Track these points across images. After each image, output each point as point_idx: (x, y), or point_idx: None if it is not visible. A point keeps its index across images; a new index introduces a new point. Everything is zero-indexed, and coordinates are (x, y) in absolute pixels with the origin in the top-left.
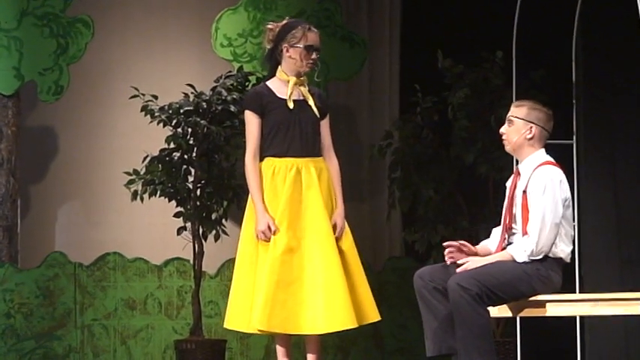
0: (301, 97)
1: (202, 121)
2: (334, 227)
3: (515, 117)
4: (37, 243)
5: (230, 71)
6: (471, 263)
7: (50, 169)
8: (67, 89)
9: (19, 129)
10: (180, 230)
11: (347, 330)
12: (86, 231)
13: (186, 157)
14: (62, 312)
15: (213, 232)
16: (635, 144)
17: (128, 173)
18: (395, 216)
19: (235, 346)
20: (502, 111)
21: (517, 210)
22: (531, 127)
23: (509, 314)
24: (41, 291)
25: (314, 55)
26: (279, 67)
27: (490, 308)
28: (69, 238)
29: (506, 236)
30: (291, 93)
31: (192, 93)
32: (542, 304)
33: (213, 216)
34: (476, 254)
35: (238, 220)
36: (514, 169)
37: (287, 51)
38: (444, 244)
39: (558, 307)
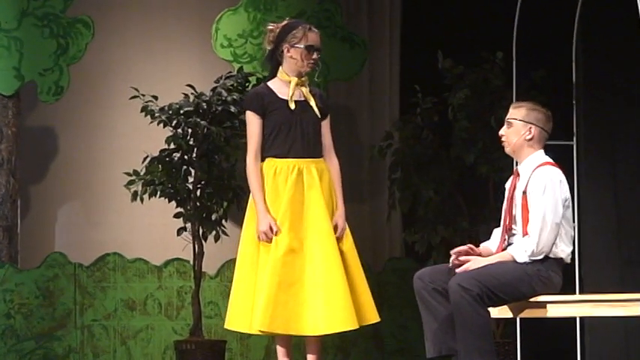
0: (302, 98)
1: (202, 122)
2: (335, 228)
3: (514, 118)
4: (37, 243)
5: (230, 72)
6: (471, 264)
7: (50, 170)
8: (67, 90)
9: (19, 129)
10: (180, 231)
11: (347, 331)
12: (86, 231)
13: (186, 157)
14: (62, 312)
15: (213, 232)
16: (635, 144)
17: (128, 174)
18: (395, 217)
19: (235, 347)
20: (502, 112)
21: (517, 211)
22: (530, 128)
23: (510, 315)
24: (41, 291)
25: (315, 55)
26: (281, 67)
27: (490, 309)
28: (69, 239)
29: (506, 237)
30: (293, 93)
31: (192, 93)
32: (542, 305)
33: (213, 217)
34: (480, 255)
35: (238, 221)
36: (513, 170)
37: (288, 51)
38: (452, 251)
39: (558, 308)
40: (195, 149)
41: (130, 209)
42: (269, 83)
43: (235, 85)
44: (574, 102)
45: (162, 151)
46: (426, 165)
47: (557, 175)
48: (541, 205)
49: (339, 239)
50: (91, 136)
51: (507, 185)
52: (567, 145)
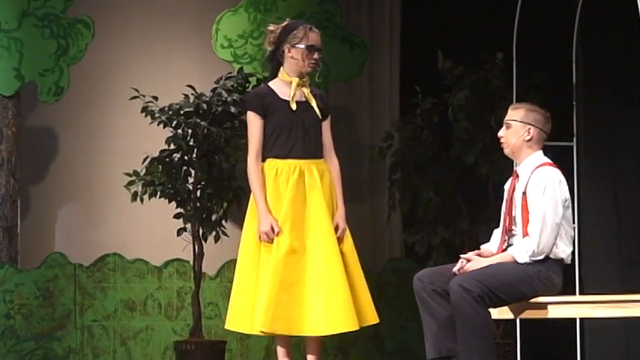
0: (303, 99)
1: (202, 123)
2: (336, 229)
3: (513, 120)
4: (37, 244)
5: (230, 72)
6: (472, 264)
7: (50, 170)
8: (67, 90)
9: (19, 130)
10: (180, 231)
11: (347, 332)
12: (86, 232)
13: (186, 158)
14: (62, 313)
15: (213, 233)
16: (635, 144)
17: (128, 174)
18: (395, 217)
19: (235, 347)
20: (502, 112)
21: (517, 212)
22: (529, 129)
23: (510, 316)
24: (41, 292)
25: (316, 55)
26: (282, 68)
27: (491, 310)
28: (69, 239)
29: (506, 238)
30: (294, 94)
31: (192, 94)
32: (542, 306)
33: (213, 217)
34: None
35: (238, 222)
36: (513, 171)
37: (289, 51)
38: (462, 256)
39: (559, 308)
40: (196, 150)
41: (130, 210)
42: (270, 84)
43: (235, 85)
44: (574, 103)
45: (162, 151)
46: (426, 166)
47: (556, 175)
48: (541, 206)
49: (339, 240)
50: (91, 137)
51: (506, 186)
52: (567, 146)
